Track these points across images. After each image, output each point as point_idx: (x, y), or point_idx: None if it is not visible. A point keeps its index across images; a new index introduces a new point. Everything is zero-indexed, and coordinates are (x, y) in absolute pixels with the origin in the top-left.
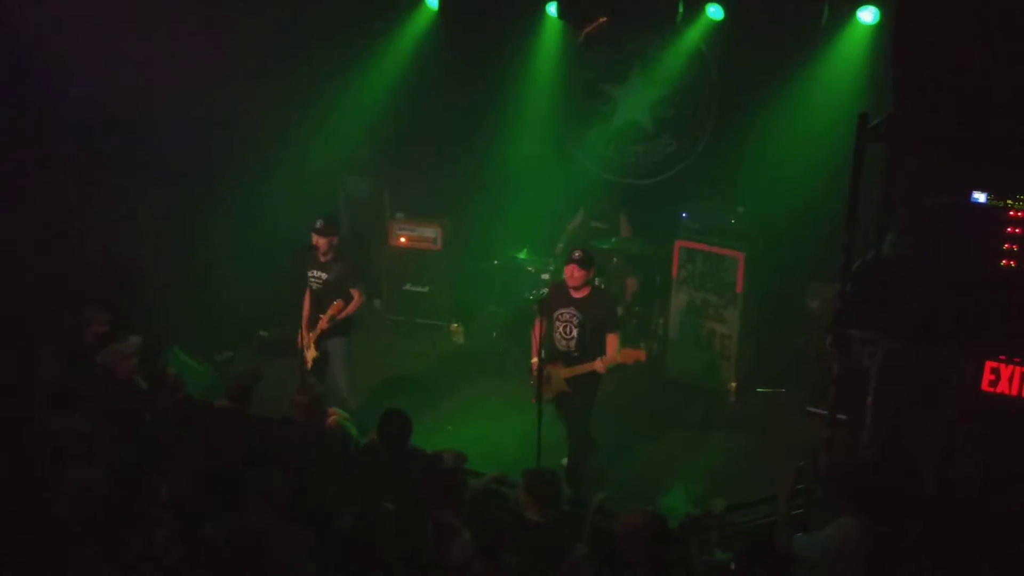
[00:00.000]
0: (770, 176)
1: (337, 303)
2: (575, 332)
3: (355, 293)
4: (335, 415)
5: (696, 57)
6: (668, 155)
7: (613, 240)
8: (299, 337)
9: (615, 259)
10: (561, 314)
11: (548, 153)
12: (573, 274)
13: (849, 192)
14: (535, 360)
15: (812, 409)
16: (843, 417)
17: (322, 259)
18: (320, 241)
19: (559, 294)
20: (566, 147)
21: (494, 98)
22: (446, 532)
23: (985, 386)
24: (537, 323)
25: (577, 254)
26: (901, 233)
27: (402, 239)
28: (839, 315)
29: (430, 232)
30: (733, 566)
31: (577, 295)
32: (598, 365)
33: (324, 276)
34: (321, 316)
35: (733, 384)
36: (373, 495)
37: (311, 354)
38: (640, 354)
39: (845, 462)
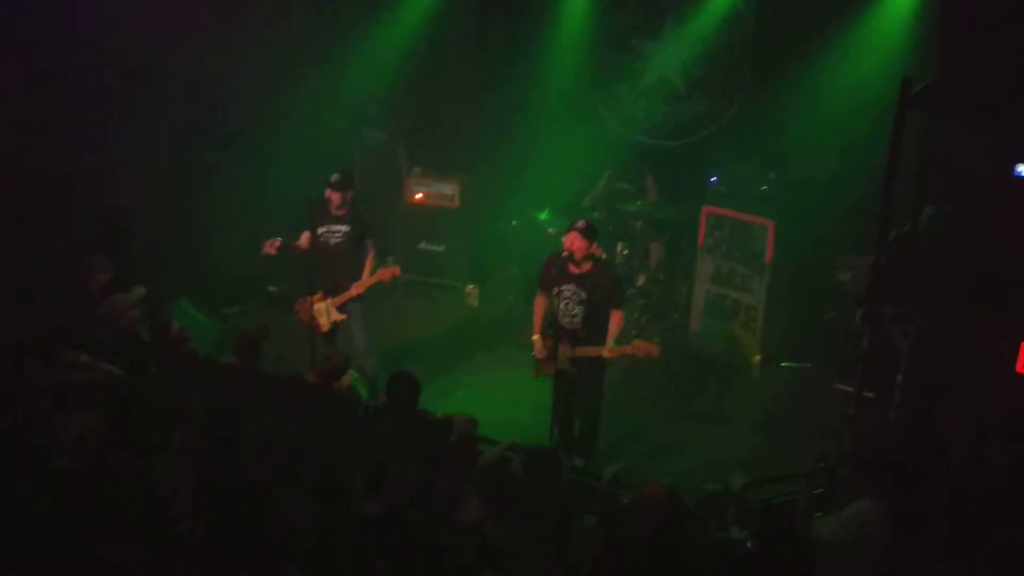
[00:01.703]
0: (805, 141)
1: (388, 269)
2: (577, 310)
3: (369, 247)
4: (348, 376)
5: (732, 14)
6: (699, 116)
7: (639, 203)
8: (309, 297)
9: (639, 223)
10: (561, 291)
11: (574, 111)
12: (574, 244)
13: (887, 161)
14: (536, 337)
15: (839, 386)
16: (870, 395)
17: (336, 213)
18: (334, 196)
19: (558, 269)
20: (593, 105)
21: (519, 51)
22: (455, 498)
23: (1021, 368)
24: (538, 299)
25: (580, 223)
26: (940, 205)
27: (419, 195)
28: (871, 289)
29: (448, 189)
30: (750, 545)
31: (577, 270)
32: (604, 352)
33: (339, 230)
34: (340, 277)
35: (757, 358)
36: (381, 458)
37: (334, 317)
38: (653, 349)
39: (871, 441)
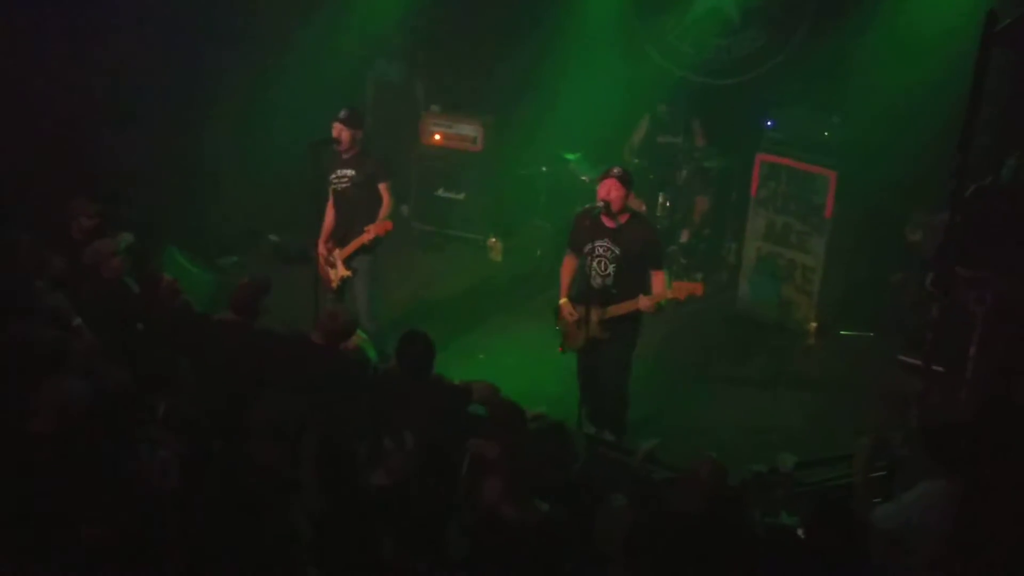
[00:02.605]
0: (873, 82)
1: (380, 224)
2: (611, 268)
3: (384, 191)
4: (355, 337)
5: None
6: (755, 51)
7: (684, 150)
8: (319, 248)
9: (684, 173)
10: (594, 248)
11: (612, 45)
12: (611, 192)
13: (967, 105)
14: (564, 301)
15: (904, 358)
16: (940, 369)
17: (345, 156)
18: (343, 133)
19: (590, 224)
20: (635, 38)
21: None
22: (482, 470)
23: None
24: (567, 259)
25: (616, 169)
26: None
27: (437, 137)
28: (944, 250)
29: (470, 130)
30: (801, 531)
31: (613, 223)
32: (643, 302)
33: (350, 174)
34: (351, 227)
35: (813, 324)
36: (392, 425)
37: (341, 272)
38: (696, 287)
39: (940, 419)
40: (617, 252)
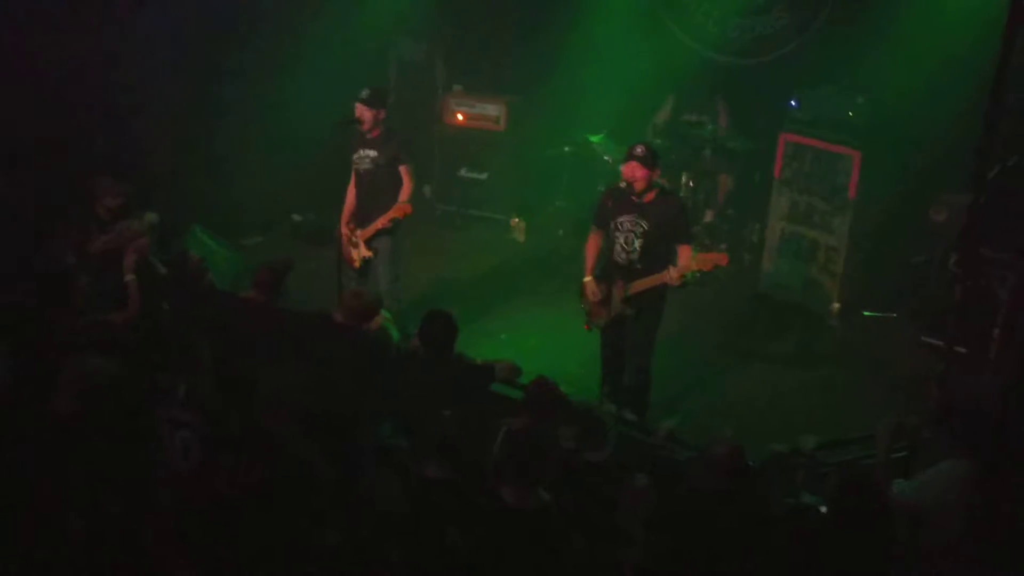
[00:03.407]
0: (898, 61)
1: (399, 207)
2: (637, 244)
3: (405, 174)
4: (379, 317)
5: None
6: (779, 30)
7: (708, 129)
8: (341, 227)
9: (708, 153)
10: (621, 223)
11: (636, 24)
12: (635, 174)
13: (993, 84)
14: (588, 279)
15: (927, 339)
16: (963, 350)
17: (368, 136)
18: (365, 113)
19: (618, 199)
20: (658, 17)
21: None
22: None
23: None
24: (592, 236)
25: (639, 149)
26: None
27: (459, 116)
28: (968, 230)
29: (493, 110)
30: (824, 510)
31: (639, 200)
32: (670, 275)
33: (373, 155)
34: (373, 208)
35: (836, 305)
36: (421, 404)
37: (362, 252)
38: (721, 257)
39: (960, 399)
40: (645, 227)
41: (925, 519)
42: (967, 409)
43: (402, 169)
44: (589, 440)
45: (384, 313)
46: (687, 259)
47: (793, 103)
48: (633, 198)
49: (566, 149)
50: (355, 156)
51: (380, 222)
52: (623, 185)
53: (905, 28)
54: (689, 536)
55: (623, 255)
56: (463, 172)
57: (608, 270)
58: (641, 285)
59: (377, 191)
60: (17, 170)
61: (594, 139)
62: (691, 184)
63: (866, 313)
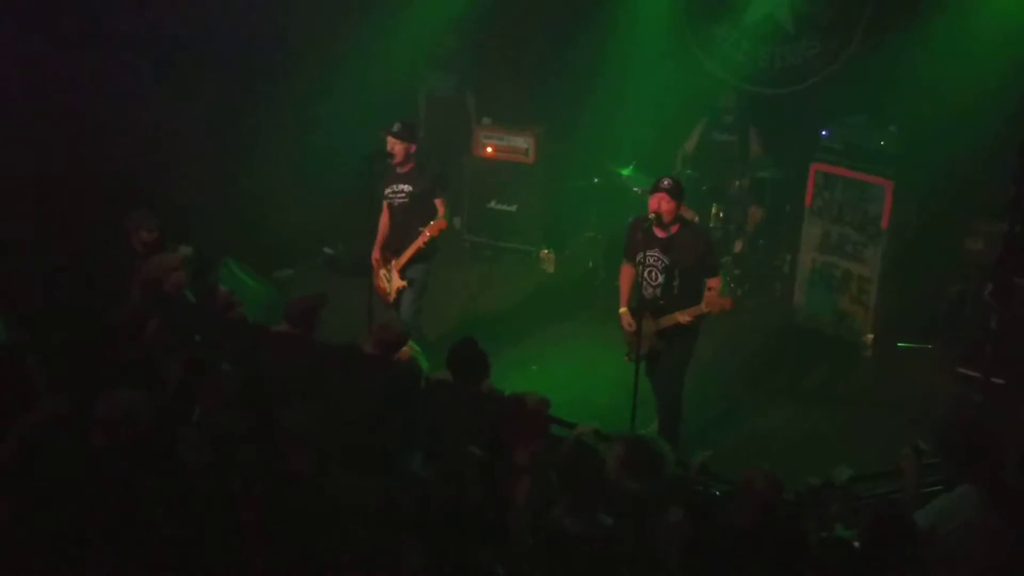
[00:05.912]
0: (930, 90)
1: (435, 223)
2: (660, 278)
3: (440, 206)
4: (408, 347)
5: None
6: (809, 59)
7: (737, 160)
8: (374, 254)
9: (738, 183)
10: (645, 257)
11: (665, 54)
12: (661, 205)
13: None
14: (623, 310)
15: (963, 370)
16: (1000, 381)
17: (400, 170)
18: (397, 146)
19: (642, 233)
20: (687, 47)
21: None
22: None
23: None
24: (624, 268)
25: (666, 182)
26: None
27: (489, 149)
28: (1004, 259)
29: (521, 142)
30: (858, 544)
31: (664, 233)
32: (681, 317)
33: (407, 189)
34: (407, 241)
35: (870, 336)
36: (450, 437)
37: (396, 284)
38: (725, 302)
39: (953, 422)
40: (667, 262)
41: (943, 544)
42: (960, 432)
43: (437, 201)
44: (636, 469)
45: (413, 345)
46: (716, 291)
47: (824, 133)
48: (658, 232)
49: (595, 180)
50: (388, 191)
51: (417, 244)
52: (651, 217)
53: (936, 57)
54: (725, 569)
55: (649, 289)
56: (492, 204)
57: (639, 302)
58: (667, 322)
59: (411, 223)
60: (50, 204)
61: (623, 171)
62: (721, 215)
63: (900, 344)
